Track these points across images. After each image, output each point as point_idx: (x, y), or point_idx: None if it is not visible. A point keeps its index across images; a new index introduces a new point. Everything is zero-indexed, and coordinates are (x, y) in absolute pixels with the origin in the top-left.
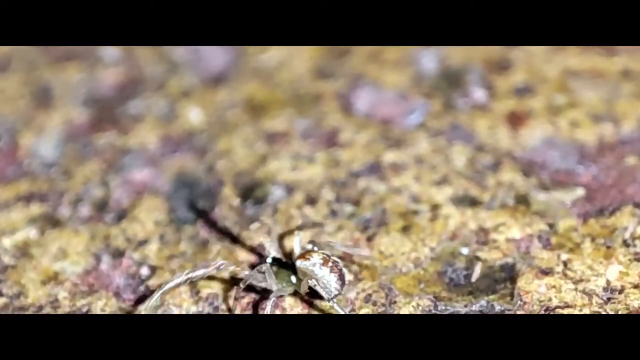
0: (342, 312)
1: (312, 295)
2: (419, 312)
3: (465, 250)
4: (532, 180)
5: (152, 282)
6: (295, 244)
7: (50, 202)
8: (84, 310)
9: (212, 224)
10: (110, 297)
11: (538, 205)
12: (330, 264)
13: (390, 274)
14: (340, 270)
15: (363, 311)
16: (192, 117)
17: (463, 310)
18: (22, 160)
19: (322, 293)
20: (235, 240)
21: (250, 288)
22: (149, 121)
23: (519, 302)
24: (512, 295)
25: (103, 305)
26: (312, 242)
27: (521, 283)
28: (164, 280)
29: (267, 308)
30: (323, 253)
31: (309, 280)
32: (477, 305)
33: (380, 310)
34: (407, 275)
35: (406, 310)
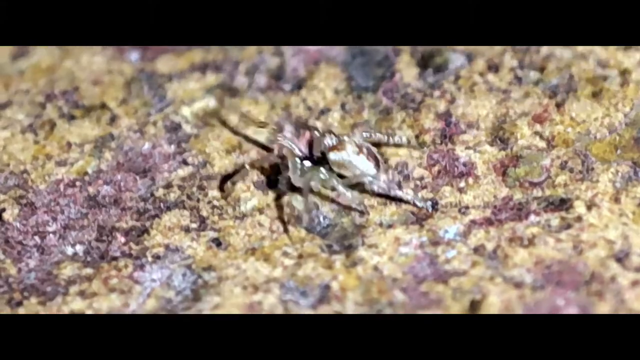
0: (384, 192)
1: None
2: (618, 179)
3: None
4: None
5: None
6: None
7: (225, 71)
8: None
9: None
10: None
11: None
12: (364, 150)
13: (584, 140)
14: (374, 155)
15: (559, 179)
16: None
17: None
18: None
19: (360, 179)
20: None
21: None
22: None
23: None
24: None
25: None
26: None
27: None
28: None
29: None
30: (354, 142)
31: (344, 171)
32: None
33: (578, 177)
34: (602, 142)
35: (605, 177)
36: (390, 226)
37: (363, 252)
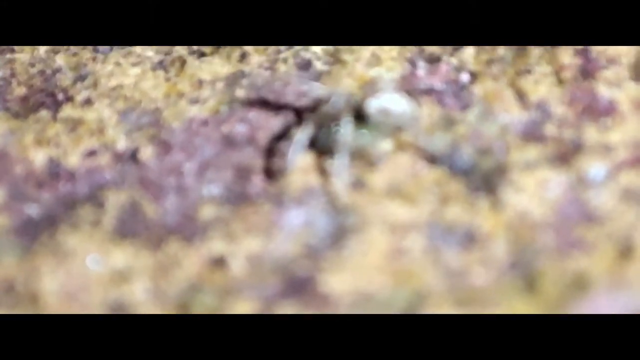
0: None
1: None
2: None
3: None
4: None
5: (474, 88)
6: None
7: None
8: None
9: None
10: (435, 102)
11: None
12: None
13: None
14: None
15: None
16: None
17: None
18: None
19: (400, 119)
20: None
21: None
22: None
23: None
24: None
25: (430, 111)
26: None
27: None
28: (486, 87)
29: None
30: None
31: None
32: None
33: None
34: None
35: None
36: (534, 166)
37: (508, 193)
